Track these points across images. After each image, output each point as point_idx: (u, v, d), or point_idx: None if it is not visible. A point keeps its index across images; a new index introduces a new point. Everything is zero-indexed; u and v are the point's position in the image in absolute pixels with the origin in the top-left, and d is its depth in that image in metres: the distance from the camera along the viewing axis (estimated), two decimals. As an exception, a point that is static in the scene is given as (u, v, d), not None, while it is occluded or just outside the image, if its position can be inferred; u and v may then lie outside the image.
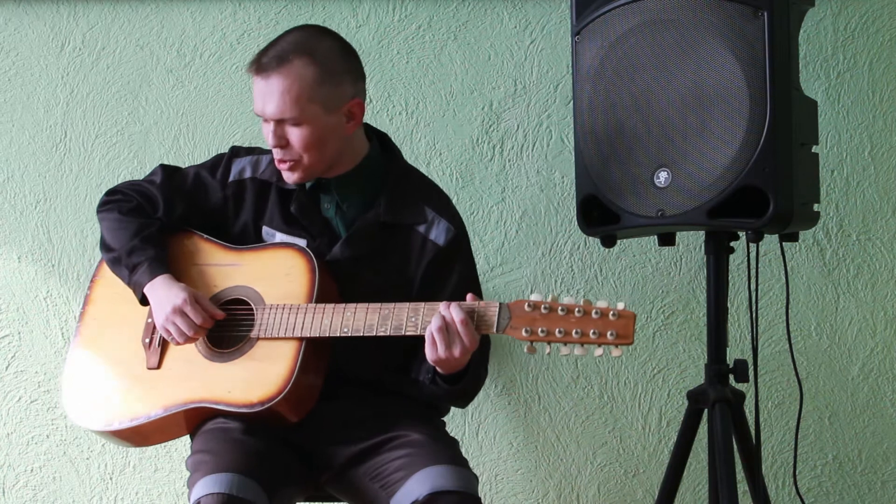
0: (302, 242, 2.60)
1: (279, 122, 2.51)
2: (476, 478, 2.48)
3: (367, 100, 2.72)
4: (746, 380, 2.68)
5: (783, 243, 2.81)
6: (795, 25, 2.61)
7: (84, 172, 3.33)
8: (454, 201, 2.74)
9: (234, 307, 2.57)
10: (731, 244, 2.71)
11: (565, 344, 2.34)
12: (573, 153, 2.79)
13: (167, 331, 2.54)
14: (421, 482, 2.41)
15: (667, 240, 2.85)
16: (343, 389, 2.58)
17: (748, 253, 2.75)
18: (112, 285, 2.67)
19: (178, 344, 2.55)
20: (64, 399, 2.66)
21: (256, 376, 2.49)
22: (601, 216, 2.72)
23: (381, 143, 2.69)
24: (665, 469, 2.77)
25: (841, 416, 3.26)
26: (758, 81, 2.51)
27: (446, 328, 2.37)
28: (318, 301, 2.50)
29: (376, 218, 2.59)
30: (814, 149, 2.67)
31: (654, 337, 3.27)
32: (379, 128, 2.75)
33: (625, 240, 3.18)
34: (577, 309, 2.33)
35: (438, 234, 2.61)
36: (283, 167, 2.56)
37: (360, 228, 2.59)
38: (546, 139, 3.29)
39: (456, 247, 2.62)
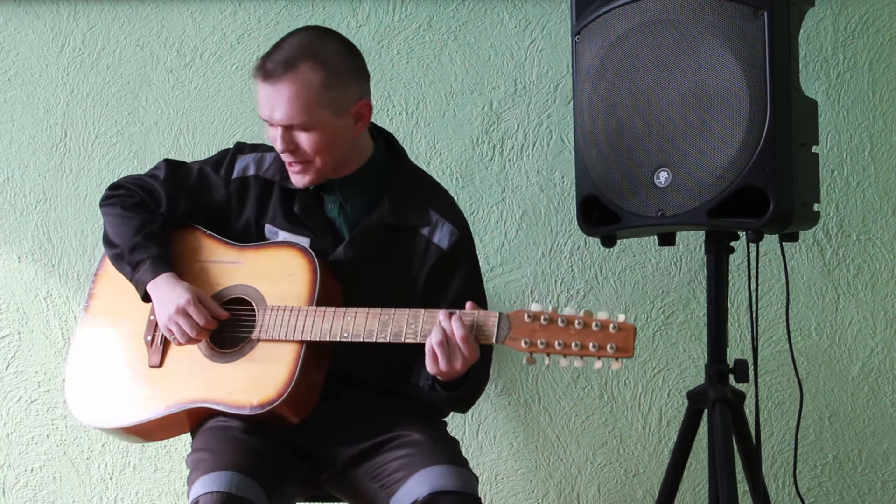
0: (305, 241, 2.59)
1: (288, 128, 2.49)
2: (476, 478, 2.48)
3: (369, 99, 2.72)
4: (746, 380, 2.68)
5: (783, 243, 2.81)
6: (795, 25, 2.61)
7: (84, 172, 3.33)
8: (454, 201, 2.74)
9: (235, 306, 2.57)
10: (731, 244, 2.71)
11: (564, 356, 2.32)
12: (573, 153, 2.79)
13: (170, 331, 2.54)
14: (421, 482, 2.41)
15: (667, 240, 2.85)
16: (343, 389, 2.58)
17: (748, 253, 2.75)
18: (114, 281, 2.66)
19: (180, 344, 2.55)
20: (67, 394, 2.67)
21: (257, 378, 2.48)
22: (601, 216, 2.72)
23: (385, 142, 2.68)
24: (665, 469, 2.77)
25: (841, 416, 3.26)
26: (758, 81, 2.51)
27: (447, 342, 2.36)
28: (320, 302, 2.50)
29: (380, 219, 2.58)
30: (814, 149, 2.67)
31: (654, 337, 3.27)
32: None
33: (625, 240, 3.17)
34: (577, 321, 2.31)
35: (442, 237, 2.60)
36: (293, 170, 2.55)
37: (364, 230, 2.58)
38: (546, 139, 3.29)
39: (459, 250, 2.61)
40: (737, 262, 3.09)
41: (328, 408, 2.54)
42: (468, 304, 2.40)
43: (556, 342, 2.32)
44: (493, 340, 2.36)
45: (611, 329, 2.30)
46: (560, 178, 3.27)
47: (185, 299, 2.51)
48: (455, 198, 2.72)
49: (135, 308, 2.63)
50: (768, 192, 2.51)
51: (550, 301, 3.27)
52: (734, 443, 2.66)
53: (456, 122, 3.29)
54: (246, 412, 2.47)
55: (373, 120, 2.63)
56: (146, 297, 2.59)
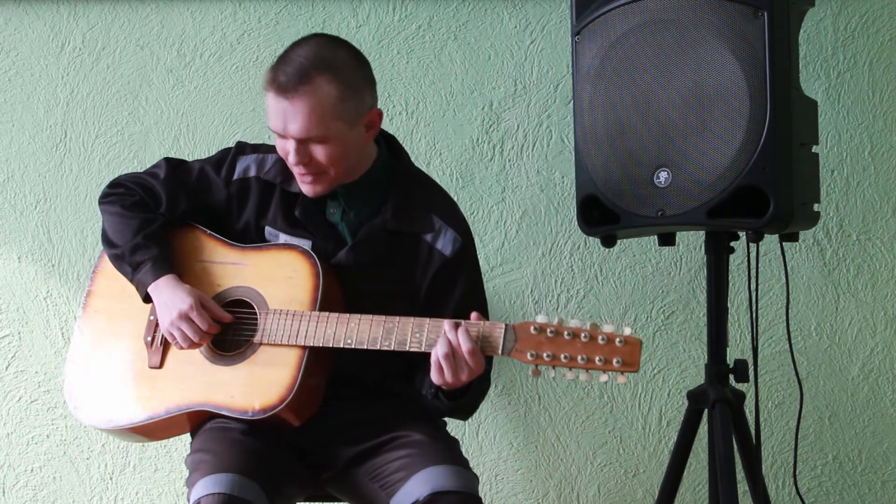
0: (307, 244, 2.58)
1: (303, 141, 2.47)
2: (477, 478, 2.48)
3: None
4: (746, 380, 2.68)
5: (783, 243, 2.81)
6: (795, 25, 2.61)
7: (84, 172, 3.33)
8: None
9: (236, 309, 2.56)
10: (731, 244, 2.71)
11: (570, 369, 2.32)
12: (573, 153, 2.78)
13: (172, 335, 2.53)
14: (422, 482, 2.41)
15: (667, 240, 2.85)
16: (344, 391, 2.57)
17: (748, 253, 2.75)
18: (113, 279, 2.65)
19: (182, 348, 2.54)
20: (66, 394, 2.66)
21: (259, 383, 2.48)
22: (601, 216, 2.72)
23: (388, 145, 2.67)
24: (665, 469, 2.77)
25: (841, 416, 3.26)
26: (758, 81, 2.51)
27: (453, 354, 2.36)
28: (322, 306, 2.49)
29: (383, 225, 2.57)
30: (814, 149, 2.67)
31: (654, 337, 3.26)
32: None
33: (625, 240, 3.17)
34: (583, 333, 2.31)
35: (445, 244, 2.59)
36: (305, 180, 2.52)
37: (368, 234, 2.57)
38: (546, 139, 3.28)
39: (462, 256, 2.60)
40: (737, 262, 3.09)
41: (328, 409, 2.54)
42: (473, 315, 2.39)
43: (563, 355, 2.31)
44: (500, 352, 2.35)
45: (617, 343, 2.30)
46: (560, 178, 3.27)
47: (188, 304, 2.50)
48: (455, 198, 2.72)
49: (134, 307, 2.62)
50: (768, 192, 2.51)
51: (551, 302, 3.27)
52: (734, 443, 2.65)
53: (456, 122, 3.29)
54: (248, 417, 2.46)
55: (375, 122, 2.63)
56: (147, 299, 2.58)
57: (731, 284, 2.80)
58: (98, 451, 3.32)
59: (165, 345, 2.59)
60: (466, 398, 2.50)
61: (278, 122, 2.47)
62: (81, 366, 2.65)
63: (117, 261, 2.61)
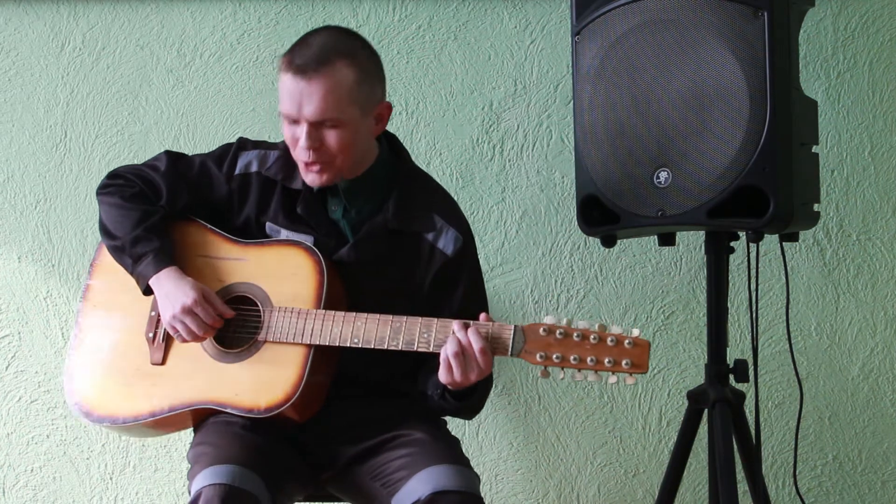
0: (308, 240, 2.57)
1: (316, 125, 2.46)
2: (478, 477, 2.47)
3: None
4: (746, 380, 2.68)
5: (783, 243, 2.81)
6: (795, 25, 2.61)
7: (84, 172, 3.33)
8: (454, 202, 2.74)
9: (239, 305, 2.55)
10: (731, 244, 2.71)
11: (579, 370, 2.33)
12: (573, 153, 2.79)
13: (175, 329, 2.51)
14: (423, 482, 2.41)
15: (667, 240, 2.85)
16: (346, 389, 2.57)
17: (748, 253, 2.75)
18: (112, 272, 2.63)
19: (184, 342, 2.53)
20: (65, 389, 2.64)
21: (264, 381, 2.47)
22: (601, 216, 2.72)
23: (389, 144, 2.67)
24: (665, 469, 2.77)
25: (841, 416, 3.26)
26: (758, 81, 2.51)
27: (462, 353, 2.36)
28: (327, 303, 2.48)
29: (385, 223, 2.57)
30: (814, 149, 2.67)
31: (654, 337, 3.26)
32: (380, 128, 2.75)
33: (625, 240, 3.17)
34: (592, 335, 2.32)
35: (447, 243, 2.59)
36: (312, 169, 2.51)
37: (369, 232, 2.57)
38: (546, 139, 3.29)
39: (464, 256, 2.60)
40: (737, 262, 3.09)
41: (331, 408, 2.54)
42: (482, 316, 2.39)
43: (572, 357, 2.32)
44: (509, 354, 2.36)
45: (626, 344, 2.31)
46: (560, 178, 3.27)
47: (192, 298, 2.48)
48: (455, 198, 2.72)
49: (134, 301, 2.60)
50: (768, 192, 2.51)
51: (550, 302, 3.27)
52: (734, 443, 2.65)
53: (456, 122, 3.29)
54: (253, 415, 2.45)
55: (374, 120, 2.63)
56: (147, 291, 2.56)
57: (731, 284, 2.80)
58: (98, 451, 3.32)
59: (167, 341, 2.57)
60: (473, 398, 2.50)
61: (293, 105, 2.46)
62: (81, 362, 2.64)
63: (117, 252, 2.59)
